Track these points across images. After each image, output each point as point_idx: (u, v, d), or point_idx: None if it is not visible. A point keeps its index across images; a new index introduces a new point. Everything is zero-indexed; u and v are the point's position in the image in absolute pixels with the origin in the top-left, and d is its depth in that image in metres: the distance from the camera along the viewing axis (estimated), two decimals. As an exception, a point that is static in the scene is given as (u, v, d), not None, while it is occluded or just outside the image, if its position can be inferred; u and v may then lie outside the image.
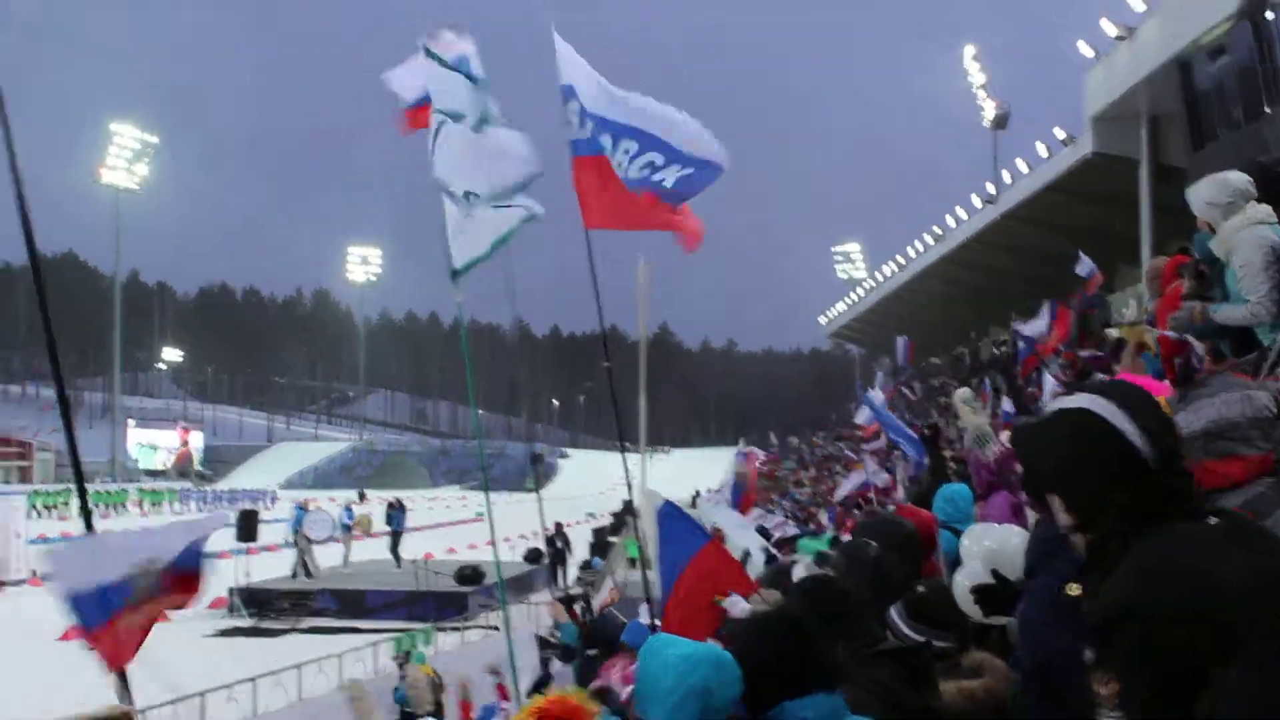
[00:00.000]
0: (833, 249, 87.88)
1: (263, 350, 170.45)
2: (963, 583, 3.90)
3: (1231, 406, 3.43)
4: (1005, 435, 5.94)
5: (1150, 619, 1.82)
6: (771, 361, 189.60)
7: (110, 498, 64.39)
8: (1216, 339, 5.20)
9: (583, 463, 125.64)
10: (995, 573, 3.74)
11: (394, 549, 32.63)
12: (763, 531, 16.20)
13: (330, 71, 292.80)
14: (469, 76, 6.77)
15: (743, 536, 12.14)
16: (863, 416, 20.42)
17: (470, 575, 27.11)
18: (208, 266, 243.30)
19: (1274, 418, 3.41)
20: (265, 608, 25.96)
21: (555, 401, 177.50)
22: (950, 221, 44.68)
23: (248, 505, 46.02)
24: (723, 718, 2.60)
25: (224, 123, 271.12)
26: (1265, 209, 5.04)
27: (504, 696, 13.00)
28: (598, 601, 24.31)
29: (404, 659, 16.23)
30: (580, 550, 34.94)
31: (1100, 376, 8.20)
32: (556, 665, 12.77)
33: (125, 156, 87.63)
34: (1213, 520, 2.01)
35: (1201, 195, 5.21)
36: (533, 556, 31.80)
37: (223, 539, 33.42)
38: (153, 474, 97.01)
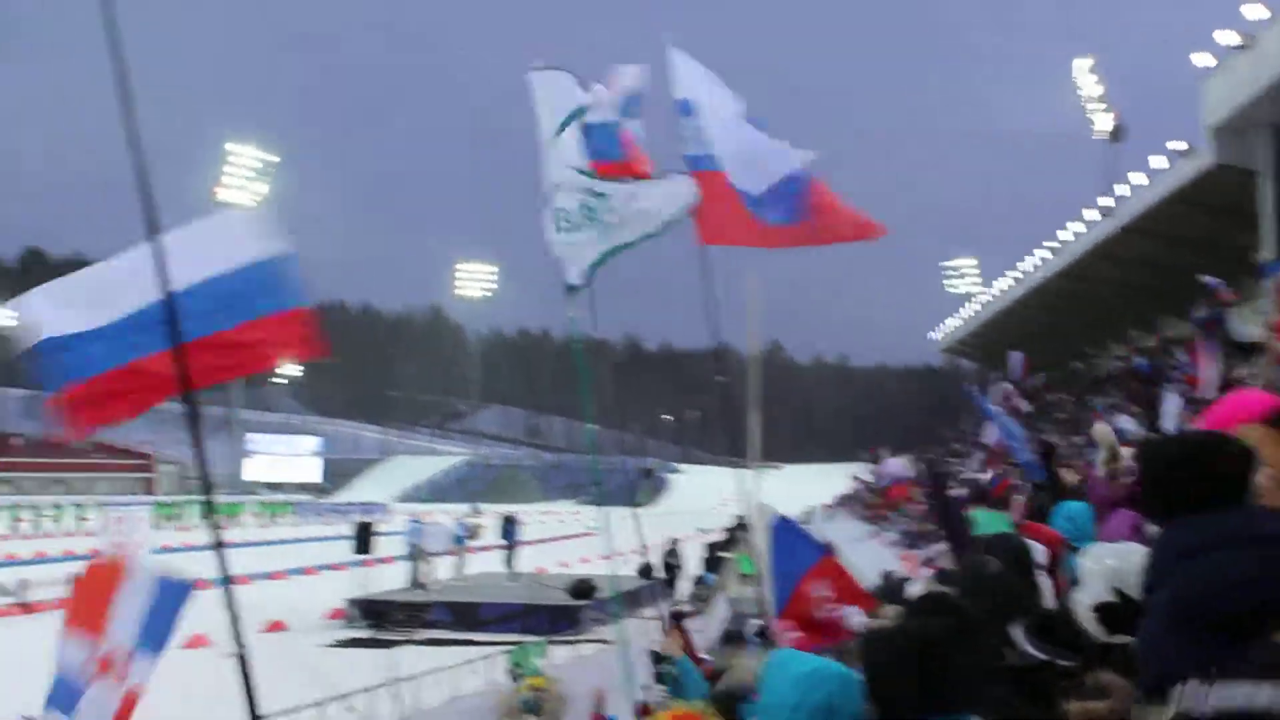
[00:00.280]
0: (943, 264, 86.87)
1: (378, 365, 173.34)
2: (1084, 601, 3.85)
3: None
4: (1127, 451, 5.84)
5: None
6: (884, 377, 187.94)
7: (229, 510, 65.92)
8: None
9: (694, 478, 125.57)
10: (1118, 590, 3.68)
11: (508, 562, 32.97)
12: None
13: (445, 86, 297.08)
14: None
15: (860, 551, 12.07)
16: (992, 436, 20.08)
17: (583, 589, 27.22)
18: (325, 283, 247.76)
19: None
20: (382, 619, 26.33)
21: (666, 417, 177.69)
22: (1067, 235, 43.94)
23: (363, 518, 46.74)
24: (845, 735, 2.60)
25: (340, 141, 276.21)
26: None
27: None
28: (712, 623, 24.25)
29: (517, 672, 16.35)
30: (693, 566, 34.90)
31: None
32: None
33: (244, 176, 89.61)
34: None
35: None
36: (645, 571, 31.82)
37: (339, 551, 34.11)
38: (272, 486, 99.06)
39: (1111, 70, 53.25)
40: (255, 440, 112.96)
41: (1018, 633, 3.76)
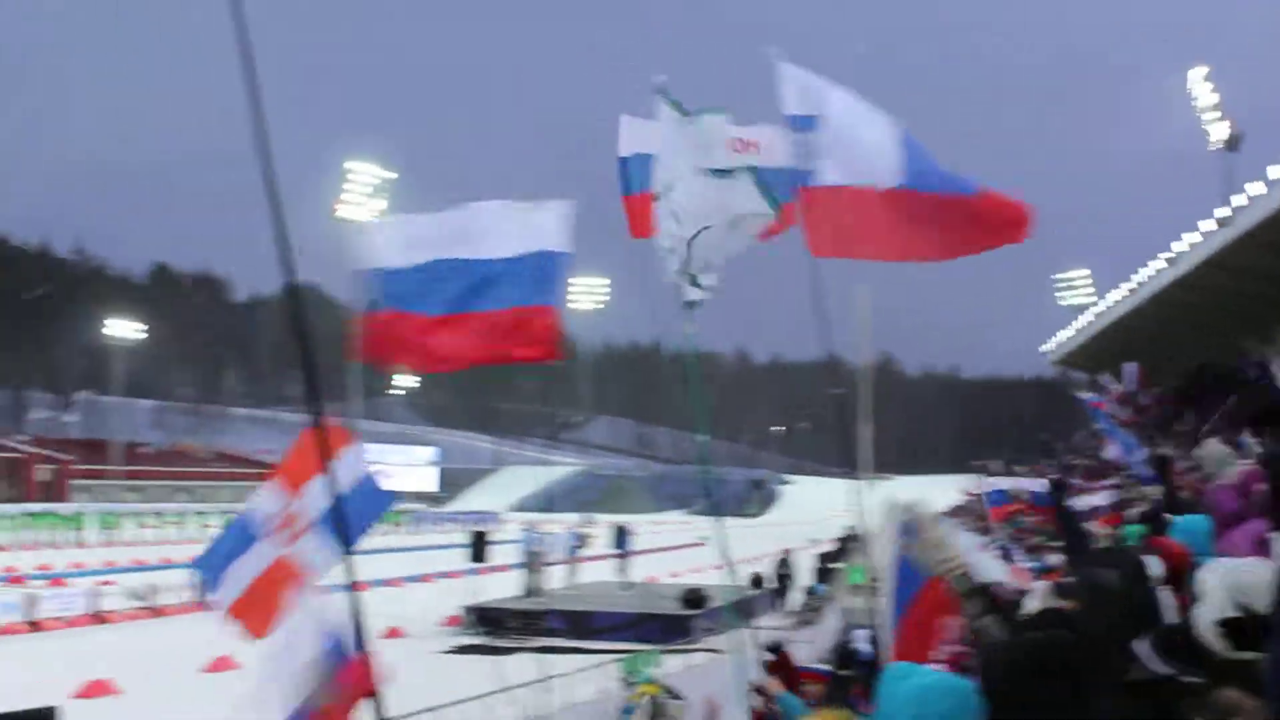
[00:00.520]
0: (1055, 275, 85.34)
1: (491, 376, 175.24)
2: (1206, 617, 3.79)
3: None
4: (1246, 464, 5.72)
5: None
6: (995, 388, 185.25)
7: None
8: None
9: (805, 489, 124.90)
10: (1243, 606, 3.62)
11: (621, 572, 33.14)
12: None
13: (554, 102, 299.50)
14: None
15: (982, 561, 11.89)
16: (1112, 453, 19.72)
17: (695, 598, 27.25)
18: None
19: None
20: (496, 627, 26.62)
21: (776, 428, 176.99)
22: (1182, 245, 42.97)
23: (478, 527, 47.28)
24: (964, 749, 2.60)
25: (454, 155, 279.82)
26: None
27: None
28: (823, 629, 24.13)
29: (629, 680, 16.43)
30: (804, 576, 34.78)
31: None
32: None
33: (363, 192, 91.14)
34: None
35: None
36: (757, 582, 31.86)
37: (454, 559, 34.55)
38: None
39: (1226, 79, 52.13)
40: (372, 450, 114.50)
41: (1142, 647, 3.71)
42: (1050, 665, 2.68)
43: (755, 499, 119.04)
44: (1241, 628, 3.51)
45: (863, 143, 6.68)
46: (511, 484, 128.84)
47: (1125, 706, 3.02)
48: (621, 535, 34.09)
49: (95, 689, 19.07)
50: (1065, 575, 7.77)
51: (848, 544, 41.85)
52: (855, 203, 6.67)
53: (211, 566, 6.10)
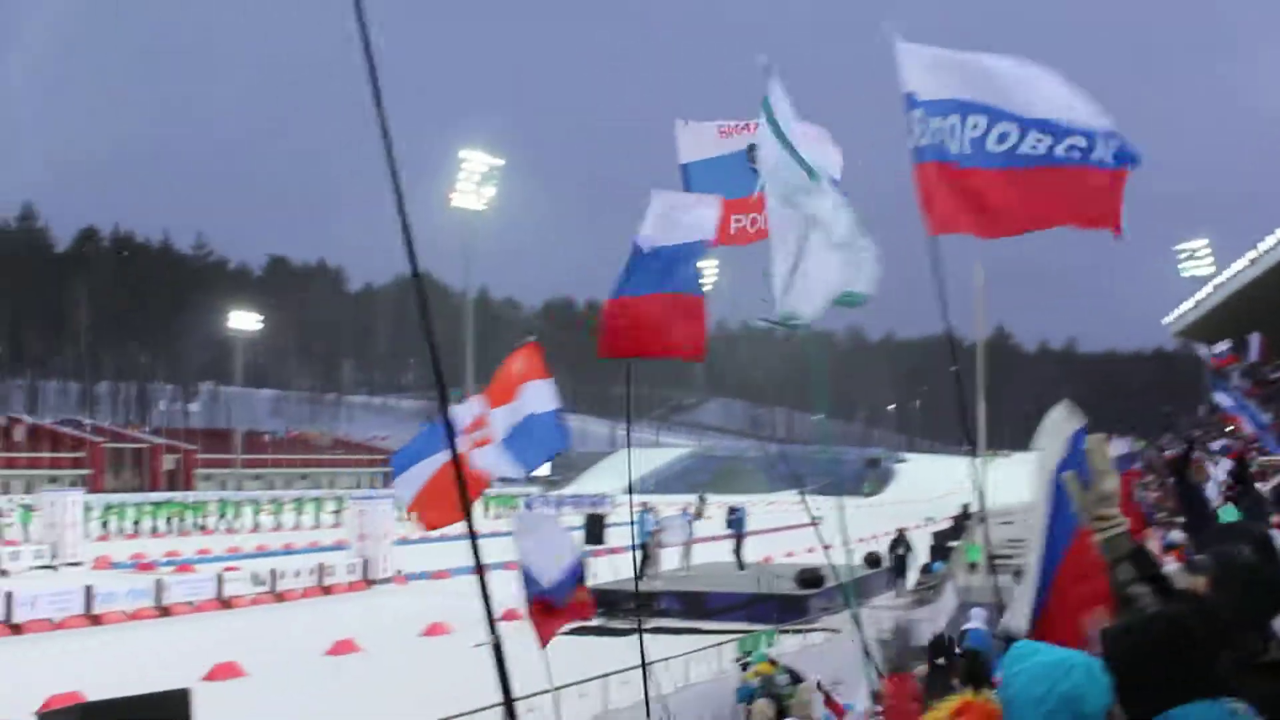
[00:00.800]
0: (1177, 246, 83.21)
1: (605, 360, 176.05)
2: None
3: None
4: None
5: None
6: (1113, 362, 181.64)
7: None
8: None
9: (920, 467, 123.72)
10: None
11: (736, 552, 33.08)
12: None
13: (657, 84, 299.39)
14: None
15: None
16: (1247, 426, 19.24)
17: (811, 579, 27.11)
18: (550, 281, 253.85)
19: None
20: (612, 608, 26.74)
21: (891, 406, 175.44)
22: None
23: (594, 510, 47.57)
24: (1093, 727, 2.52)
25: (560, 142, 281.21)
26: None
27: (836, 710, 12.85)
28: (940, 608, 23.88)
29: (745, 660, 16.43)
30: (920, 554, 34.42)
31: None
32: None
33: (473, 181, 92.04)
34: None
35: None
36: (873, 561, 31.62)
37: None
38: (503, 479, 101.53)
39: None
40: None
41: None
42: (1180, 644, 2.59)
43: (870, 478, 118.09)
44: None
45: (976, 116, 6.55)
46: (625, 467, 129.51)
47: (1262, 687, 2.91)
48: (736, 516, 34.02)
49: (223, 671, 19.60)
50: (1189, 551, 7.57)
51: (964, 522, 41.36)
52: (971, 178, 6.56)
53: (402, 464, 6.80)
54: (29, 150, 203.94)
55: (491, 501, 70.86)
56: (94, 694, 13.72)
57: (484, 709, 11.84)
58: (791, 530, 48.23)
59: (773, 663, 15.89)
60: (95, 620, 26.43)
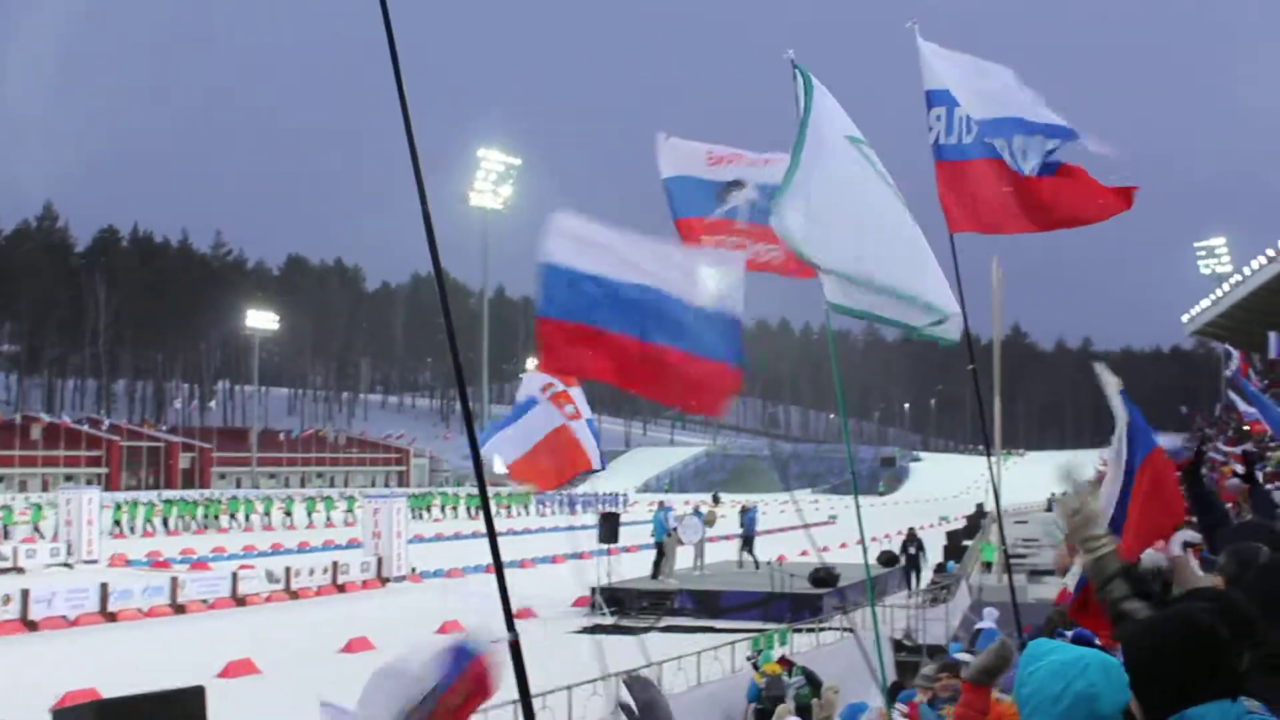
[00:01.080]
0: (1195, 244, 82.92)
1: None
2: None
3: None
4: None
5: None
6: (1130, 361, 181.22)
7: (473, 501, 67.73)
8: None
9: (936, 466, 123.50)
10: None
11: (749, 551, 33.04)
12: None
13: (672, 86, 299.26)
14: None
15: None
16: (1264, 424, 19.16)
17: (824, 577, 27.04)
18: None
19: None
20: (625, 607, 26.75)
21: (906, 404, 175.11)
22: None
23: (608, 508, 47.57)
24: (1110, 726, 2.49)
25: (577, 141, 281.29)
26: None
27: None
28: (954, 611, 23.82)
29: (757, 659, 16.39)
30: (934, 554, 34.34)
31: None
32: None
33: (491, 180, 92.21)
34: None
35: None
36: (887, 560, 31.58)
37: (585, 540, 34.77)
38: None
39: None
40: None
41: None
42: (1198, 643, 2.56)
43: (886, 476, 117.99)
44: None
45: (992, 114, 6.53)
46: (640, 465, 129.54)
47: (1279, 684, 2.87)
48: (748, 515, 34.00)
49: (237, 669, 19.62)
50: (1205, 551, 7.52)
51: (978, 521, 41.28)
52: (988, 176, 6.55)
53: (489, 438, 6.95)
54: (49, 149, 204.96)
55: (510, 501, 70.91)
56: (109, 691, 13.76)
57: (498, 706, 11.79)
58: (806, 529, 48.18)
59: (785, 663, 15.86)
60: (110, 618, 26.50)
